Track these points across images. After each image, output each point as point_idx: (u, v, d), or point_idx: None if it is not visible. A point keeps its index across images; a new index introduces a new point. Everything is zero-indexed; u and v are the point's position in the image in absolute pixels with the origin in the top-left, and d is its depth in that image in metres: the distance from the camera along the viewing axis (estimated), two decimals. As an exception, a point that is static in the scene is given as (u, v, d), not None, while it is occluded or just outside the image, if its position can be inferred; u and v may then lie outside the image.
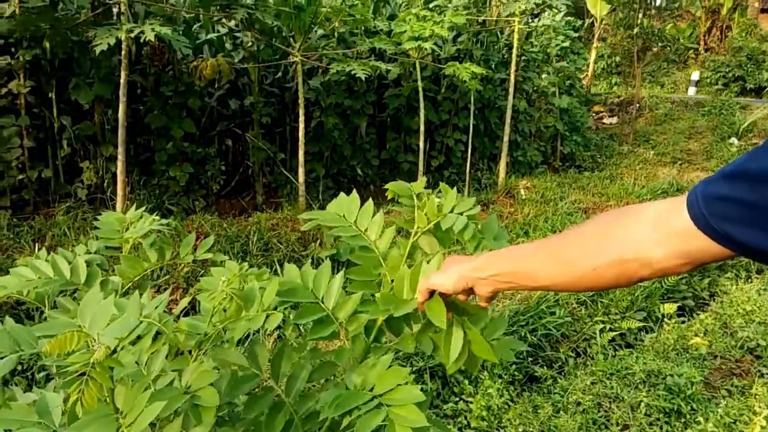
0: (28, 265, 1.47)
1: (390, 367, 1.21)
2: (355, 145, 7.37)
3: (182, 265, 4.31)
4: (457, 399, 3.38)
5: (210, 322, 1.46)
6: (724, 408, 3.34)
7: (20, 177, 5.45)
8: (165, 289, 4.22)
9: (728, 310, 4.63)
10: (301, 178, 5.67)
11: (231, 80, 6.40)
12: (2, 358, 0.98)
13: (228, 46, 6.68)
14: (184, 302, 1.70)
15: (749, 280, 5.34)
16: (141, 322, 1.03)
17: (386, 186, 1.32)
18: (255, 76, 6.39)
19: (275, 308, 1.46)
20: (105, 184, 5.79)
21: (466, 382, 3.52)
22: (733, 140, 9.81)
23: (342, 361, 1.35)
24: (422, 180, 1.34)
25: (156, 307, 1.08)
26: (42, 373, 3.09)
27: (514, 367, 3.76)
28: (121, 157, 4.93)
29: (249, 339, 1.46)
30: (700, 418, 3.23)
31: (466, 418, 3.22)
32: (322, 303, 1.38)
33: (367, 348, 1.34)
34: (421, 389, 3.04)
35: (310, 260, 1.38)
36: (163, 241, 1.87)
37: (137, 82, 5.89)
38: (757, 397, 3.44)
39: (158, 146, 5.98)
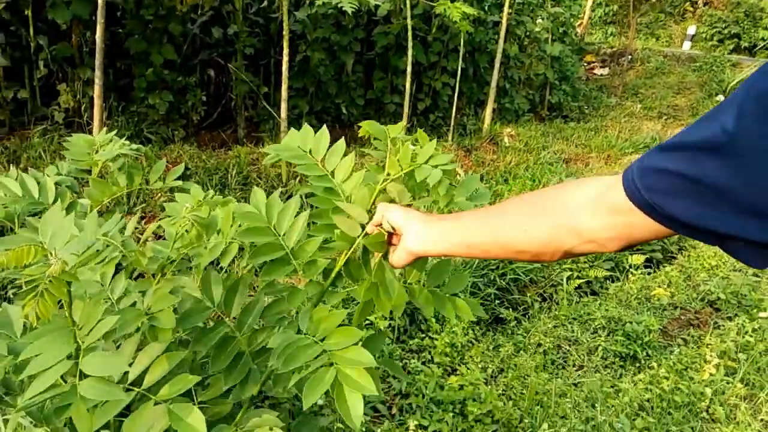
0: (-3, 184, 1.47)
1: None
2: (340, 83, 7.26)
3: (158, 193, 4.30)
4: (423, 335, 3.50)
5: (172, 248, 1.49)
6: (678, 355, 3.50)
7: (-5, 96, 5.32)
8: (142, 218, 4.24)
9: (694, 263, 4.78)
10: (284, 113, 5.61)
11: (214, 7, 6.19)
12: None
13: (213, -30, 6.42)
14: (152, 227, 1.72)
15: (717, 236, 5.48)
16: (98, 239, 1.05)
17: (360, 124, 1.27)
18: (239, 4, 6.19)
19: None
20: (82, 108, 5.68)
21: (433, 320, 3.63)
22: (720, 97, 9.81)
23: (295, 304, 1.35)
24: (401, 123, 1.30)
25: (118, 227, 1.10)
26: (13, 290, 3.13)
27: (481, 308, 3.87)
28: (98, 81, 4.81)
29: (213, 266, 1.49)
30: (654, 364, 3.38)
31: (430, 353, 3.35)
32: (283, 241, 1.36)
33: (322, 292, 1.33)
34: (389, 325, 3.13)
35: (286, 197, 1.38)
36: (132, 167, 1.87)
37: (117, 3, 5.68)
38: (709, 346, 3.61)
39: (138, 72, 5.84)
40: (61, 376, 0.93)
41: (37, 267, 0.94)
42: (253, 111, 6.74)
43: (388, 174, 1.24)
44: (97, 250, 1.05)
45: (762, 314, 3.93)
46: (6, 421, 1.50)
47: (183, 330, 1.36)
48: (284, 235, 1.31)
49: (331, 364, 1.02)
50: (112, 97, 5.76)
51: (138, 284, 1.52)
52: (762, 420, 2.99)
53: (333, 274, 1.32)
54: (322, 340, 1.14)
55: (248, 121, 6.74)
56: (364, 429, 2.57)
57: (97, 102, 4.86)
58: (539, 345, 3.56)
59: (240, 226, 1.41)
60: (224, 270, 3.89)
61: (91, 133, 5.07)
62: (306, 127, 1.36)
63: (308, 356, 1.12)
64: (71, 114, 5.70)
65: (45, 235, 1.04)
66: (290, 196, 1.43)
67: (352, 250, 1.19)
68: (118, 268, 1.67)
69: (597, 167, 7.01)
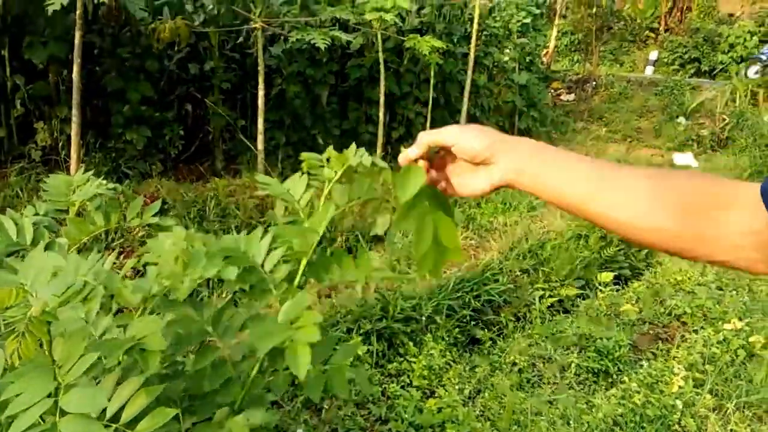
0: (-26, 226, 1.52)
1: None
2: (316, 114, 7.42)
3: (137, 229, 4.37)
4: (401, 359, 3.60)
5: (156, 280, 1.58)
6: (647, 369, 3.64)
7: (-29, 136, 5.35)
8: (121, 253, 4.29)
9: (660, 279, 4.97)
10: (261, 145, 5.74)
11: (191, 44, 6.34)
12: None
13: (188, 8, 6.59)
14: (131, 263, 1.81)
15: (682, 253, 5.69)
16: (79, 278, 1.13)
17: (301, 156, 1.41)
18: (215, 41, 6.35)
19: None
20: (60, 146, 5.73)
21: (411, 343, 3.74)
22: (681, 120, 10.23)
23: (266, 302, 1.45)
24: (330, 148, 1.46)
25: (99, 264, 1.18)
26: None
27: (457, 329, 3.99)
28: (75, 119, 4.90)
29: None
30: (625, 378, 3.52)
31: (408, 376, 3.44)
32: (262, 268, 1.48)
33: (290, 294, 1.47)
34: (368, 350, 3.27)
35: (264, 227, 1.53)
36: (109, 205, 1.95)
37: (94, 42, 5.79)
38: (676, 359, 3.76)
39: (115, 109, 5.93)
40: (42, 415, 0.96)
41: (18, 308, 1.00)
42: (230, 143, 6.85)
43: (327, 179, 1.40)
44: (80, 289, 1.11)
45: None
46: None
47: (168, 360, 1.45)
48: (253, 255, 1.46)
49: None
50: (89, 134, 5.82)
51: (119, 318, 1.59)
52: (731, 430, 3.12)
53: (298, 275, 1.45)
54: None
55: (226, 153, 6.85)
56: (346, 452, 2.64)
57: (75, 139, 4.93)
58: (514, 364, 3.67)
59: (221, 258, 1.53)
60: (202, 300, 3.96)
61: (68, 170, 5.12)
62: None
63: (280, 335, 1.22)
64: (48, 152, 5.75)
65: (27, 277, 1.09)
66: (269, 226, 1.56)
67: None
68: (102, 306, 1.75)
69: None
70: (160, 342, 1.37)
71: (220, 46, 6.53)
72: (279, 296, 1.50)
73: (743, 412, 3.22)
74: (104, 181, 2.08)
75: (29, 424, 0.92)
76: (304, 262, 1.50)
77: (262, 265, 1.49)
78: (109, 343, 1.37)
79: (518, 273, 4.68)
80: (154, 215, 1.88)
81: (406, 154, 0.97)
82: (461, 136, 0.90)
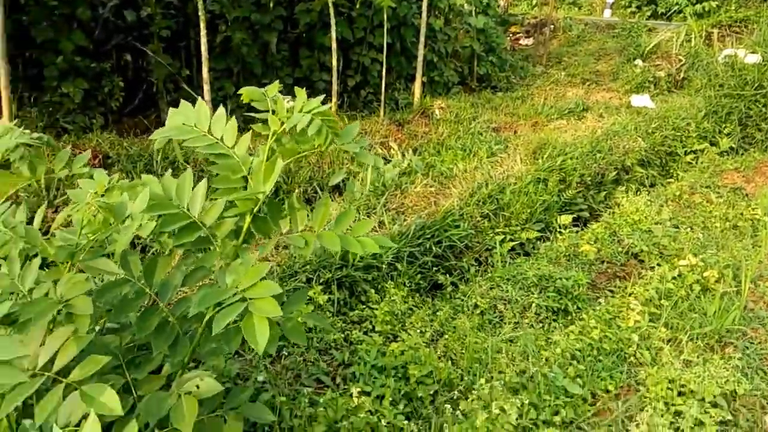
0: None
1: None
2: (266, 63, 7.11)
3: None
4: (363, 307, 3.53)
5: (80, 234, 1.43)
6: (605, 306, 3.67)
7: None
8: (62, 207, 4.04)
9: (618, 219, 5.01)
10: (207, 95, 5.45)
11: (126, -11, 5.91)
12: None
13: (121, -51, 6.12)
14: (61, 216, 1.65)
15: (638, 192, 5.76)
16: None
17: (240, 91, 1.35)
18: (152, -15, 5.93)
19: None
20: (-11, 101, 5.33)
21: (373, 291, 3.67)
22: (638, 62, 10.23)
23: (210, 262, 1.38)
24: (275, 83, 1.38)
25: (21, 216, 1.05)
26: None
27: (419, 276, 3.94)
28: (2, 71, 4.53)
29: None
30: (584, 316, 3.54)
31: (371, 322, 3.38)
32: (188, 211, 1.39)
33: (236, 251, 1.37)
34: (329, 299, 3.16)
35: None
36: (35, 156, 1.79)
37: (18, -12, 5.33)
38: (633, 295, 3.80)
39: (48, 60, 5.52)
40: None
41: None
42: (175, 94, 6.51)
43: (274, 131, 1.30)
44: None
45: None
46: None
47: (103, 307, 1.33)
48: (188, 205, 1.36)
49: (244, 300, 1.08)
50: (21, 88, 5.43)
51: (49, 273, 1.46)
52: (684, 360, 3.17)
53: (243, 232, 1.33)
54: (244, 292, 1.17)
55: (172, 104, 6.49)
56: (307, 400, 2.58)
57: (4, 93, 4.58)
58: (476, 306, 3.65)
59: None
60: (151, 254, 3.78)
61: (-1, 126, 4.77)
62: (183, 103, 1.42)
63: (222, 296, 1.14)
64: (-23, 108, 5.34)
65: None
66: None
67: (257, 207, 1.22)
68: (28, 258, 1.60)
69: (524, 134, 7.18)
70: (87, 305, 1.25)
71: (158, -9, 6.11)
72: (222, 255, 1.37)
73: (696, 342, 3.28)
74: (27, 131, 1.90)
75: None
76: (248, 219, 1.36)
77: (203, 223, 1.36)
78: (41, 302, 1.24)
79: (479, 218, 4.63)
80: (92, 167, 1.73)
81: None
82: None
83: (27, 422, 1.33)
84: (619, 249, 4.58)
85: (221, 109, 1.37)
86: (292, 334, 1.44)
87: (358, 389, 2.65)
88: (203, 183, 1.34)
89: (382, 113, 7.44)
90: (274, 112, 1.32)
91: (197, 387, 1.28)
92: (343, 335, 3.25)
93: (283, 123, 1.28)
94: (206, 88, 5.44)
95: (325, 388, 2.85)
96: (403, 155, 5.84)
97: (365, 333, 3.31)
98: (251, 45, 6.72)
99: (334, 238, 1.31)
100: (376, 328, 3.33)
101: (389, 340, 3.30)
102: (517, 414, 2.37)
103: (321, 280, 3.57)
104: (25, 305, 1.18)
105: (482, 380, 2.68)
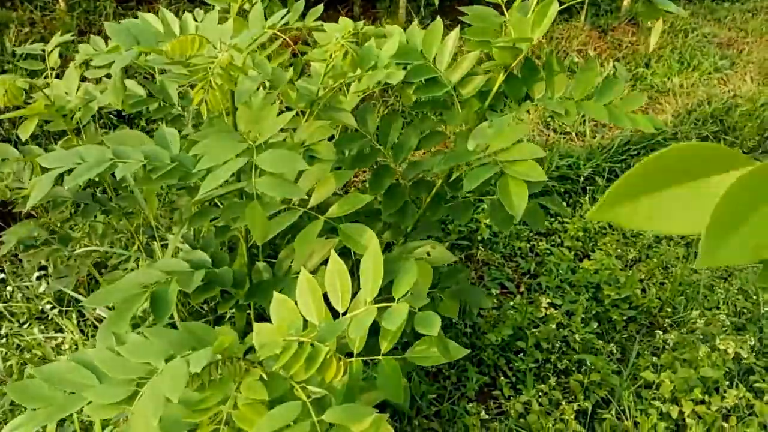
0: None
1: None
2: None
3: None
4: (552, 219, 3.31)
5: (323, 80, 1.37)
6: None
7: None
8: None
9: None
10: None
11: None
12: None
13: None
14: (302, 60, 1.63)
15: None
16: (264, 30, 0.96)
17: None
18: None
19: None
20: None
21: (564, 204, 3.41)
22: None
23: (453, 122, 1.25)
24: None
25: (281, 18, 1.01)
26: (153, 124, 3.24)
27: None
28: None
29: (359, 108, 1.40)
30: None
31: (560, 236, 3.17)
32: (434, 64, 1.27)
33: (482, 114, 1.24)
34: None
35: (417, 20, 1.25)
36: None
37: None
38: None
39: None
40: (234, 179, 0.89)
41: (203, 57, 0.87)
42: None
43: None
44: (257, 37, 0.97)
45: None
46: (165, 246, 1.55)
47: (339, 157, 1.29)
48: (434, 59, 1.24)
49: (495, 162, 0.95)
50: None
51: (289, 122, 1.45)
52: None
53: (492, 92, 1.18)
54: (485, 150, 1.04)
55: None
56: (496, 301, 2.50)
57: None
58: (683, 237, 3.25)
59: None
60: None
61: None
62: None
63: (468, 157, 1.02)
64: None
65: (205, 32, 0.96)
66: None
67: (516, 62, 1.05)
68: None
69: (756, 54, 6.08)
70: (329, 151, 1.20)
71: None
72: (464, 118, 1.23)
73: None
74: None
75: (222, 181, 0.87)
76: (500, 78, 1.20)
77: (449, 80, 1.23)
78: (281, 147, 1.24)
79: (695, 139, 4.06)
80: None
81: None
82: None
83: (260, 264, 1.37)
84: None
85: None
86: (530, 217, 1.29)
87: (548, 301, 2.51)
88: (454, 33, 1.19)
89: (582, 17, 6.71)
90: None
91: (428, 254, 1.20)
92: (528, 245, 3.10)
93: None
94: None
95: (509, 294, 2.75)
96: (602, 66, 5.24)
97: (554, 245, 3.11)
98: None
99: (602, 109, 1.12)
100: (566, 243, 3.12)
101: (579, 258, 3.08)
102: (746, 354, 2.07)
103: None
104: (274, 146, 1.17)
105: (695, 312, 2.38)
